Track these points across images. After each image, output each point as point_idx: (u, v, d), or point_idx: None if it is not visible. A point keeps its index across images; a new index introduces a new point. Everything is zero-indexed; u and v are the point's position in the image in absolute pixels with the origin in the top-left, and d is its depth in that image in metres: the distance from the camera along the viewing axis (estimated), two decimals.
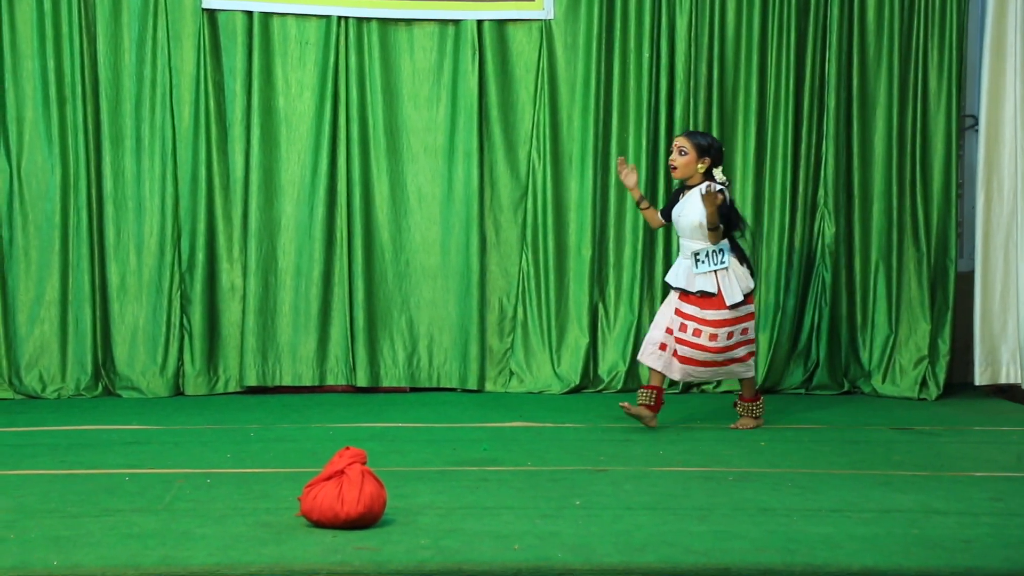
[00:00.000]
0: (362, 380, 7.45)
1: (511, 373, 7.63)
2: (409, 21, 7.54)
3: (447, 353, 7.57)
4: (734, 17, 7.65)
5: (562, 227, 7.66)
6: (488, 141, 7.62)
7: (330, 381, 7.50)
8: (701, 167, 6.11)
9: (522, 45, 7.62)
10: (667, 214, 6.35)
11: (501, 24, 7.59)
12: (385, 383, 7.53)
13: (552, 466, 5.18)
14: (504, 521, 4.16)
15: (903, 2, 7.64)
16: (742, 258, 6.19)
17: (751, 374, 6.31)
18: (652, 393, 6.17)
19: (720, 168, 6.15)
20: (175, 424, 6.30)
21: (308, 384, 7.47)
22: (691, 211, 6.09)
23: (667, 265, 7.67)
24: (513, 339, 7.67)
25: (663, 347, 6.19)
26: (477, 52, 7.51)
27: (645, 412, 6.14)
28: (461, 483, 4.79)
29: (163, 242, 7.35)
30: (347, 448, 4.22)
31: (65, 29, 7.19)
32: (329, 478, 4.09)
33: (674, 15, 7.63)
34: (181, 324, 7.39)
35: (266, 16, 7.40)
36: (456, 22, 7.54)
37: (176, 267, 7.37)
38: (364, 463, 4.16)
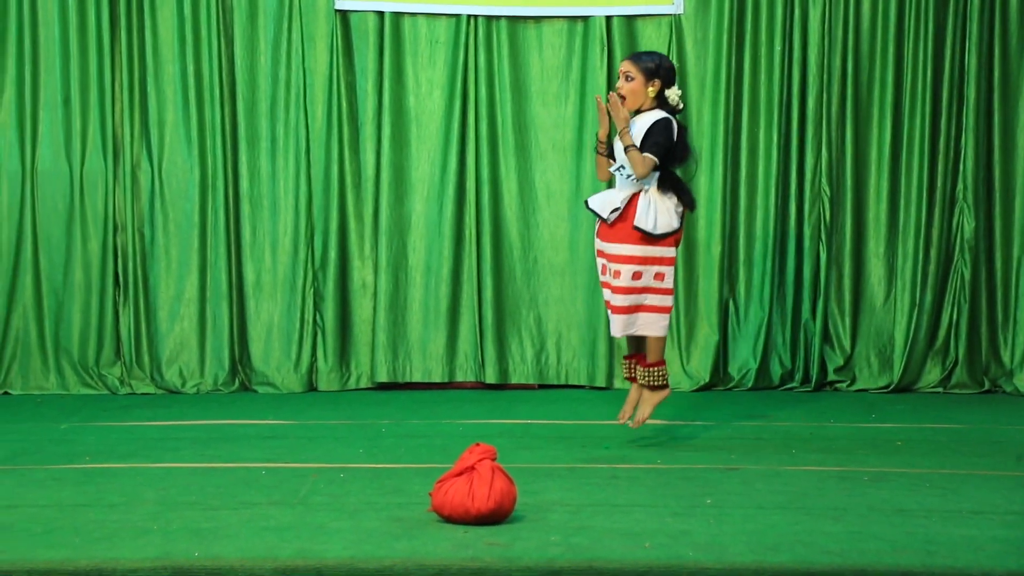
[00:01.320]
0: (491, 377, 7.49)
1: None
2: (538, 18, 7.55)
3: (575, 350, 7.57)
4: (869, 8, 7.49)
5: (691, 223, 7.59)
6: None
7: (459, 377, 7.56)
8: (652, 90, 5.39)
9: (651, 40, 7.56)
10: (611, 152, 5.60)
11: (630, 20, 7.55)
12: (514, 380, 7.56)
13: (683, 464, 5.14)
14: (634, 519, 4.14)
15: None
16: (679, 190, 5.40)
17: (661, 334, 5.44)
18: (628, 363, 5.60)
19: (675, 87, 5.44)
20: (309, 419, 6.41)
21: (438, 380, 7.53)
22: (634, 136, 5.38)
23: (799, 261, 7.57)
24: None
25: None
26: (606, 48, 7.48)
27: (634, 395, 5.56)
28: (591, 480, 4.77)
29: (297, 240, 7.49)
30: (477, 444, 4.24)
31: (204, 33, 7.37)
32: (460, 474, 4.11)
33: (807, 7, 7.50)
34: (314, 321, 7.52)
35: (397, 16, 7.49)
36: (585, 18, 7.53)
37: (309, 265, 7.50)
38: (494, 459, 4.17)
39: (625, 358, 5.73)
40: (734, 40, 7.49)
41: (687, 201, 5.42)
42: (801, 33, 7.50)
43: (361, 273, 7.59)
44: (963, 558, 3.71)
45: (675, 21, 7.54)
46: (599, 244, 5.52)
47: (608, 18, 7.50)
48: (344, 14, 7.48)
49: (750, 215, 7.58)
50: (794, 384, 7.54)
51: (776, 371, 7.56)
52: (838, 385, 7.54)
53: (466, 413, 6.64)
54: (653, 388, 5.47)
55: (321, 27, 7.46)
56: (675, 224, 5.37)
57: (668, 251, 5.38)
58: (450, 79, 7.50)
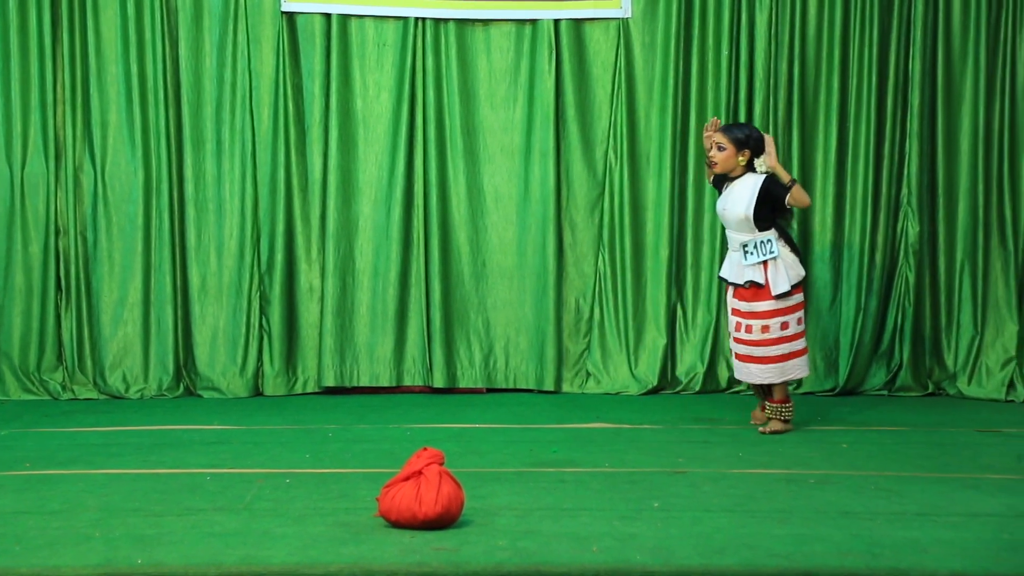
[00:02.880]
0: (439, 381, 7.47)
1: (588, 374, 7.60)
2: (486, 21, 7.55)
3: (524, 354, 7.56)
4: (816, 13, 7.55)
5: (639, 227, 7.61)
6: (565, 141, 7.60)
7: (407, 382, 7.53)
8: (742, 159, 5.99)
9: (599, 44, 7.58)
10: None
11: (578, 23, 7.56)
12: (462, 384, 7.54)
13: (630, 468, 5.15)
14: (582, 523, 4.13)
15: None
16: (792, 246, 6.04)
17: (807, 372, 6.20)
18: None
19: (761, 158, 5.99)
20: (255, 424, 6.36)
21: (385, 385, 7.50)
22: (736, 204, 5.97)
23: None
24: (590, 340, 7.64)
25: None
26: (554, 52, 7.49)
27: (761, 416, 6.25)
28: (539, 484, 4.77)
29: (243, 244, 7.43)
30: (425, 449, 4.22)
31: (148, 34, 7.29)
32: (407, 479, 4.09)
33: (754, 12, 7.55)
34: (260, 325, 7.46)
35: (344, 18, 7.45)
36: (533, 22, 7.53)
37: (255, 268, 7.44)
38: (442, 464, 4.16)
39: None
40: (681, 44, 7.52)
41: (798, 250, 6.07)
42: (748, 38, 7.55)
43: (308, 277, 7.54)
44: (907, 560, 3.74)
45: (623, 25, 7.56)
46: (739, 305, 6.06)
47: (556, 21, 7.50)
48: (291, 16, 7.43)
49: (697, 219, 7.61)
50: (741, 387, 7.57)
51: (723, 375, 7.60)
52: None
53: (414, 417, 6.62)
54: (785, 421, 6.08)
55: (267, 29, 7.40)
56: (802, 272, 6.01)
57: (800, 297, 6.02)
58: (398, 82, 7.47)
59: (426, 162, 7.50)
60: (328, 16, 7.43)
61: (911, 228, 7.58)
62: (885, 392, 7.55)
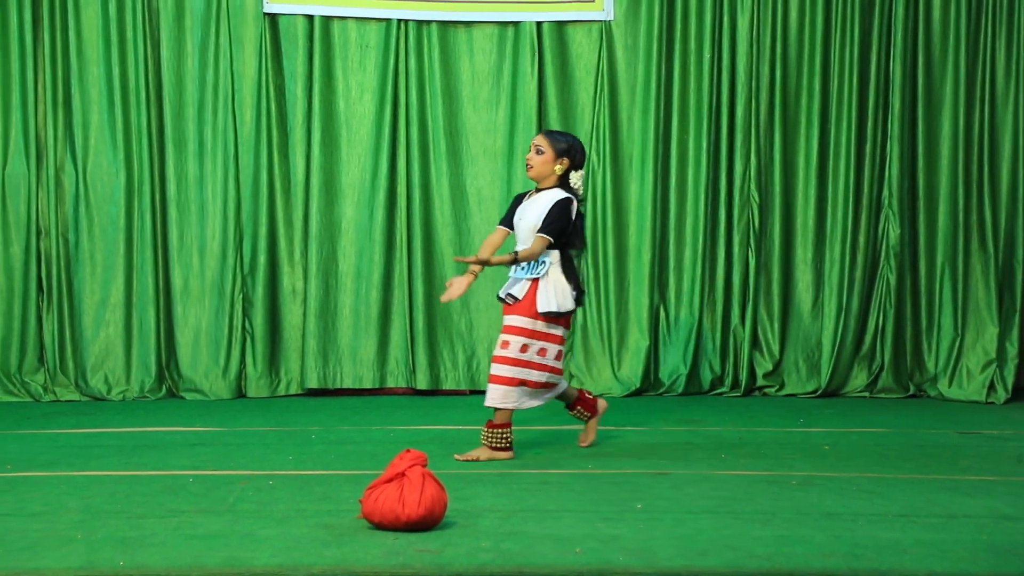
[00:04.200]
0: (422, 383, 7.47)
1: (571, 376, 7.60)
2: (468, 23, 7.55)
3: None
4: (797, 16, 7.58)
5: (622, 229, 7.63)
6: None
7: (390, 384, 7.52)
8: (559, 168, 5.41)
9: (582, 47, 7.60)
10: (509, 222, 5.58)
11: (561, 25, 7.57)
12: (445, 386, 7.54)
13: (613, 469, 5.15)
14: (565, 524, 4.14)
15: (970, 1, 7.53)
16: (571, 276, 5.41)
17: (533, 404, 5.44)
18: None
19: (580, 172, 5.46)
20: (238, 426, 6.35)
21: (369, 387, 7.49)
22: (531, 214, 5.40)
23: (728, 267, 7.63)
24: (572, 342, 7.65)
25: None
26: (536, 54, 7.50)
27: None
28: (522, 486, 4.77)
29: (225, 245, 7.41)
30: (408, 450, 4.21)
31: (130, 34, 7.28)
32: (390, 480, 4.09)
33: (735, 15, 7.58)
34: (243, 327, 7.44)
35: (327, 20, 7.44)
36: (515, 24, 7.53)
37: (238, 270, 7.43)
38: (425, 465, 4.16)
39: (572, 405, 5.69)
40: (664, 47, 7.54)
41: (578, 284, 5.46)
42: (730, 40, 7.57)
43: (291, 278, 7.53)
44: (888, 561, 3.75)
45: (605, 27, 7.57)
46: (503, 320, 5.47)
47: (539, 24, 7.51)
48: (273, 17, 7.42)
49: (680, 221, 7.63)
50: (724, 389, 7.60)
51: (706, 376, 7.62)
52: (767, 390, 7.61)
53: (397, 419, 6.61)
54: (495, 448, 5.40)
55: (249, 30, 7.39)
56: (570, 305, 5.38)
57: (559, 331, 5.40)
58: (380, 83, 7.47)
59: (409, 164, 7.50)
60: (311, 18, 7.43)
61: (892, 230, 7.61)
62: (867, 394, 7.58)
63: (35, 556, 3.68)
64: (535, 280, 5.37)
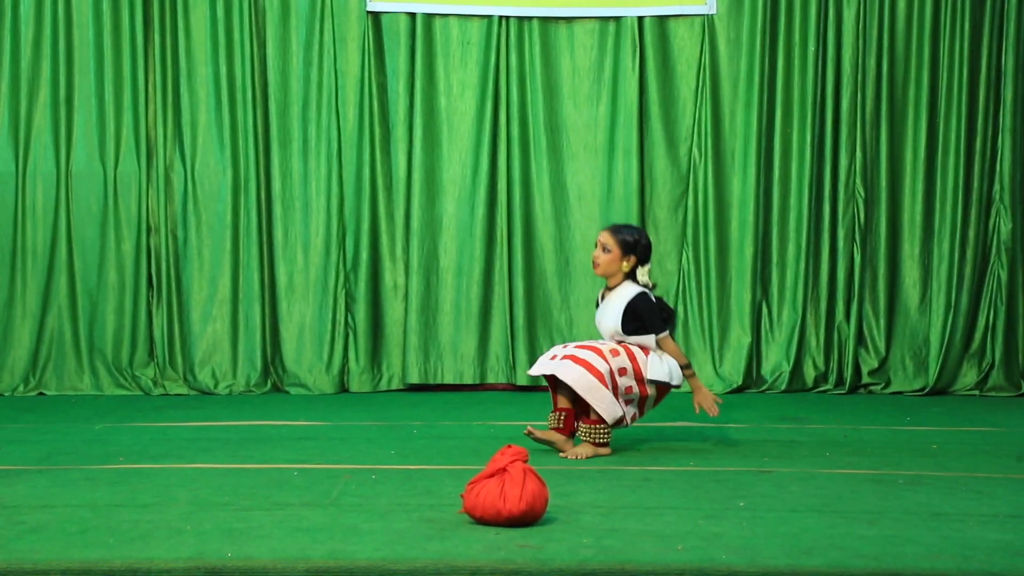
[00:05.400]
0: (522, 379, 7.48)
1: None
2: (570, 19, 7.54)
3: None
4: (905, 7, 7.44)
5: (724, 224, 7.56)
6: (648, 138, 7.57)
7: (490, 379, 7.55)
8: (626, 265, 5.35)
9: (684, 41, 7.54)
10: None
11: (662, 20, 7.53)
12: (544, 382, 7.53)
13: (715, 467, 5.11)
14: (666, 521, 4.11)
15: None
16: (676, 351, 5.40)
17: (617, 415, 5.28)
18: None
19: (647, 267, 5.39)
20: (341, 420, 6.42)
21: (469, 382, 7.53)
22: (609, 317, 5.36)
23: (833, 263, 7.52)
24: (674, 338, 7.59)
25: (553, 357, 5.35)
26: (638, 49, 7.46)
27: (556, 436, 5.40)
28: (623, 482, 4.75)
29: (328, 241, 7.51)
30: (509, 446, 4.22)
31: (236, 35, 7.40)
32: (491, 476, 4.10)
33: (841, 7, 7.47)
34: (346, 322, 7.53)
35: (429, 17, 7.49)
36: (617, 19, 7.51)
37: (341, 266, 7.52)
38: (526, 461, 4.16)
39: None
40: (767, 40, 7.45)
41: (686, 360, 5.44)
42: (835, 33, 7.46)
43: (393, 275, 7.60)
44: (1000, 563, 3.66)
45: (708, 21, 7.51)
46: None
47: (640, 19, 7.48)
48: (376, 15, 7.49)
49: (783, 216, 7.54)
50: (828, 386, 7.50)
51: (810, 373, 7.52)
52: (872, 388, 7.48)
53: (498, 415, 6.63)
54: (598, 444, 5.34)
55: (353, 28, 7.47)
56: (676, 381, 5.36)
57: (653, 393, 5.34)
58: (481, 80, 7.50)
59: (509, 160, 7.52)
60: (413, 15, 7.48)
61: (1003, 225, 7.44)
62: (976, 392, 7.42)
63: (146, 546, 3.76)
64: (643, 349, 5.34)
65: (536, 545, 3.80)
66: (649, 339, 5.35)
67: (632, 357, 5.30)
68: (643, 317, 5.31)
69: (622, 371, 5.27)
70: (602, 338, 5.46)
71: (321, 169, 7.51)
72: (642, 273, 5.40)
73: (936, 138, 7.46)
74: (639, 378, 5.29)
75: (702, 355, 7.55)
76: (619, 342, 5.35)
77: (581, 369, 5.22)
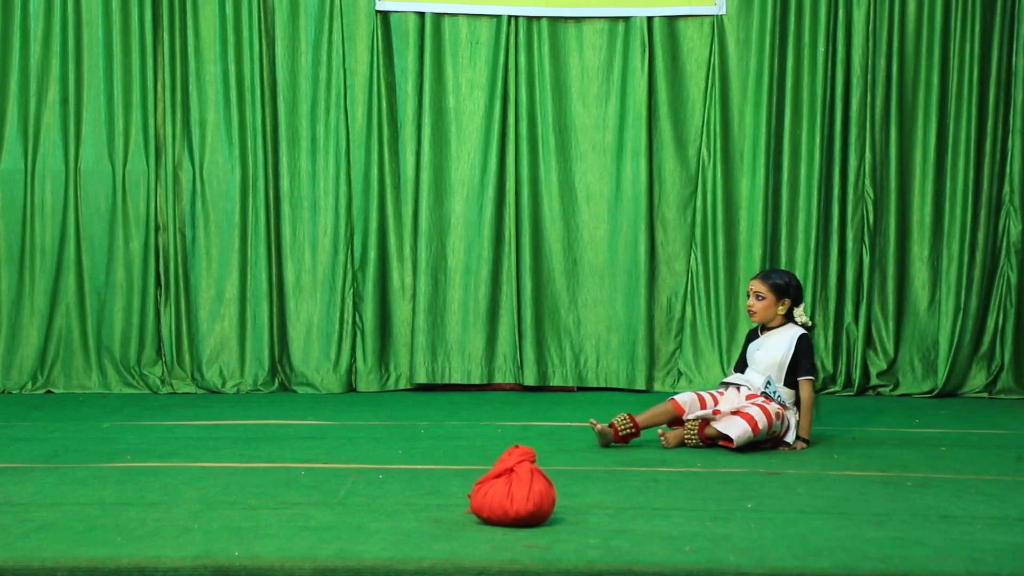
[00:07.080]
0: (529, 379, 7.48)
1: (680, 373, 7.55)
2: (579, 19, 7.54)
3: (615, 353, 7.54)
4: (915, 8, 7.43)
5: (732, 225, 7.55)
6: (657, 139, 7.57)
7: (498, 379, 7.55)
8: (782, 309, 5.60)
9: (693, 41, 7.53)
10: (743, 365, 5.73)
11: (672, 20, 7.52)
12: (553, 382, 7.54)
13: (723, 468, 5.10)
14: (674, 523, 4.10)
15: None
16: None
17: (740, 430, 5.44)
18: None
19: (802, 307, 5.63)
20: (348, 420, 6.42)
21: (476, 382, 7.53)
22: (774, 348, 5.58)
23: (841, 264, 7.50)
24: (682, 339, 7.60)
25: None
26: (647, 49, 7.46)
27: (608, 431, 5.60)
28: (630, 483, 4.74)
29: (337, 241, 7.51)
30: (516, 446, 4.22)
31: (245, 33, 7.41)
32: (499, 476, 4.09)
33: (851, 7, 7.45)
34: (354, 322, 7.53)
35: (438, 17, 7.49)
36: (626, 19, 7.50)
37: (349, 265, 7.52)
38: (533, 461, 4.15)
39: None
40: (777, 41, 7.44)
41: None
42: (845, 34, 7.44)
43: (400, 274, 7.60)
44: (1008, 566, 3.65)
45: (717, 22, 7.50)
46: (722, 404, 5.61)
47: (649, 19, 7.47)
48: (385, 15, 7.49)
49: (792, 217, 7.52)
50: (836, 388, 7.48)
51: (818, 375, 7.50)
52: (881, 389, 7.47)
53: (505, 415, 6.63)
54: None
55: (362, 27, 7.47)
56: (791, 439, 5.59)
57: (773, 406, 5.52)
58: (490, 80, 7.49)
59: (518, 160, 7.51)
60: (422, 15, 7.48)
61: (1013, 227, 7.42)
62: (985, 394, 7.40)
63: (154, 545, 3.76)
64: (780, 406, 5.53)
65: (543, 546, 3.79)
66: (791, 393, 5.58)
67: (780, 417, 5.51)
68: (800, 357, 5.55)
69: (765, 412, 5.48)
70: (749, 369, 5.67)
71: (329, 168, 7.52)
72: (799, 314, 5.63)
73: (946, 139, 7.44)
74: (768, 421, 5.46)
75: (710, 355, 7.54)
76: (766, 396, 5.55)
77: (745, 425, 5.41)
